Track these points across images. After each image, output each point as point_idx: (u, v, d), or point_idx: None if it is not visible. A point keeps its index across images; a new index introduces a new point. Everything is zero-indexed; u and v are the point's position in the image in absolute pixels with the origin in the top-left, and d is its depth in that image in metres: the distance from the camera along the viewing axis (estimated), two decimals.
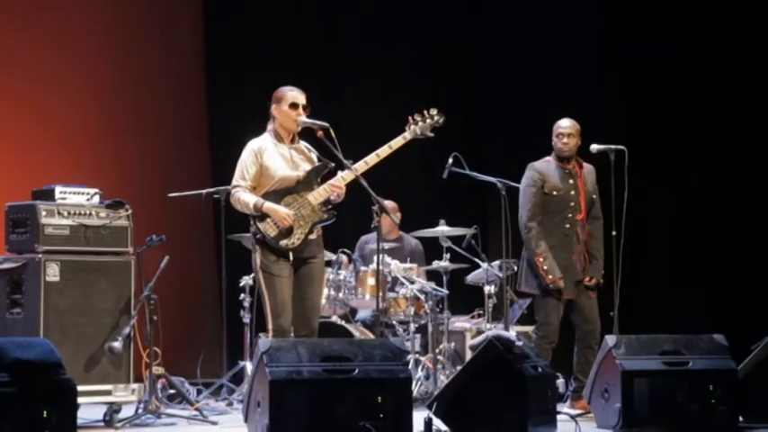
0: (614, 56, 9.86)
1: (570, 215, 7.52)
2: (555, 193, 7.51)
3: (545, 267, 7.40)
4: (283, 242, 6.48)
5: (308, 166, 6.64)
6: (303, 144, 6.73)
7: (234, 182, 6.60)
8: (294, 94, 6.61)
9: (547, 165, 7.60)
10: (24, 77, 9.07)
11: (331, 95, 9.52)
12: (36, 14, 9.24)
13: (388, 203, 8.91)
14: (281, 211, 6.47)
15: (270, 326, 6.48)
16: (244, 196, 6.52)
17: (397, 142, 6.67)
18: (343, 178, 6.55)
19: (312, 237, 6.57)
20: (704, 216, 9.43)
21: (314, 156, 6.69)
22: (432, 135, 6.79)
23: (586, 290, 7.53)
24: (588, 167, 7.67)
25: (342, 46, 10.31)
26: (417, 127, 6.73)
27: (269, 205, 6.49)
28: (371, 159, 6.61)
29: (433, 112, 6.77)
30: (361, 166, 6.57)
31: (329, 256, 8.25)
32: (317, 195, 6.56)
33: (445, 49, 10.48)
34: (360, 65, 10.27)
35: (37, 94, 9.14)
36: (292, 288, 6.53)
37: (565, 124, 7.58)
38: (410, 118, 6.75)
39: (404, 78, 10.22)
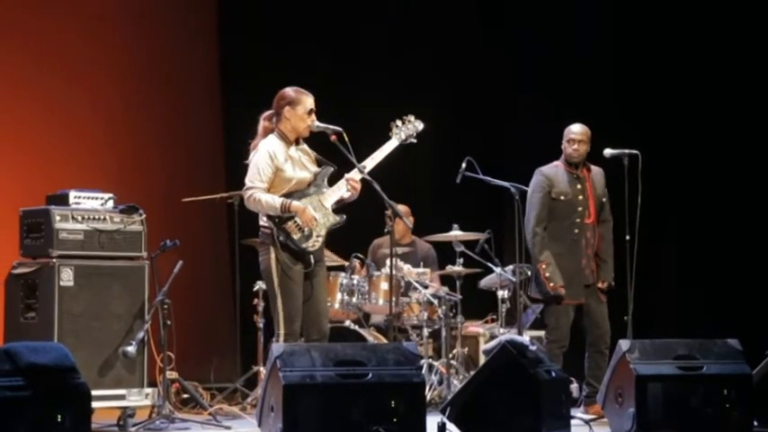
0: (627, 59, 9.85)
1: (578, 220, 7.52)
2: (562, 198, 7.51)
3: (547, 275, 7.41)
4: (305, 245, 6.48)
5: (313, 168, 6.66)
6: (305, 146, 6.73)
7: (249, 183, 6.52)
8: (311, 101, 6.61)
9: (555, 169, 7.60)
10: (38, 82, 9.08)
11: (346, 99, 9.51)
12: (55, 22, 9.27)
13: (401, 207, 8.92)
14: (309, 212, 6.47)
15: (282, 330, 6.46)
16: (265, 197, 6.48)
17: (390, 145, 6.77)
18: (367, 176, 6.58)
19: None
20: (719, 221, 9.41)
21: (314, 157, 6.71)
22: (414, 141, 6.87)
23: (598, 293, 7.53)
24: (597, 170, 7.66)
25: (359, 49, 10.30)
26: (401, 132, 6.82)
27: (296, 204, 6.47)
28: (368, 164, 6.67)
29: (411, 117, 6.89)
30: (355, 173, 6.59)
31: (340, 260, 8.29)
32: (329, 197, 6.58)
33: (461, 53, 10.48)
34: (375, 68, 10.26)
35: (51, 100, 9.16)
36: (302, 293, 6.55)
37: (576, 130, 7.57)
38: (392, 123, 6.83)
39: (418, 83, 10.21)
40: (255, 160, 6.55)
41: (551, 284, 7.40)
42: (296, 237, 6.48)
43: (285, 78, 6.91)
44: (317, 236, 6.53)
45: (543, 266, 7.42)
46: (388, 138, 6.81)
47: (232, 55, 10.15)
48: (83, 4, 9.48)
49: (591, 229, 7.54)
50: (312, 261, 6.51)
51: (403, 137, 6.83)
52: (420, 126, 6.89)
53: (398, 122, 6.85)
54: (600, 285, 7.54)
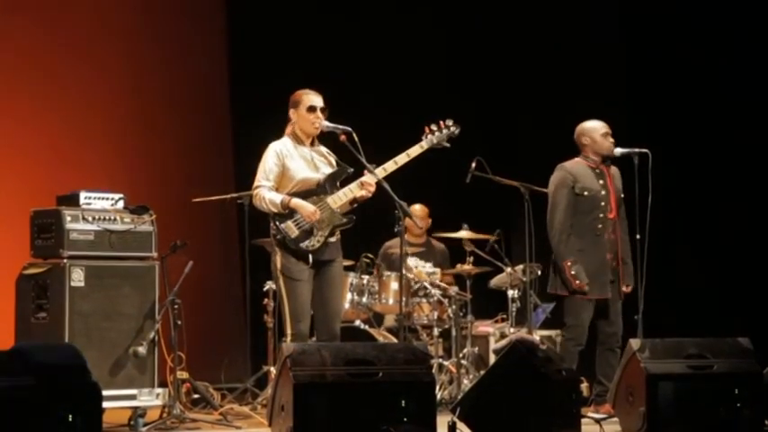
0: (639, 57, 9.84)
1: (602, 215, 7.51)
2: (586, 193, 7.50)
3: (573, 272, 7.39)
4: (304, 244, 6.50)
5: (328, 169, 6.67)
6: (323, 148, 6.75)
7: (256, 182, 6.62)
8: (311, 98, 6.63)
9: (577, 165, 7.60)
10: (47, 83, 9.11)
11: (355, 100, 9.51)
12: (60, 21, 9.29)
13: (420, 208, 8.94)
14: (309, 207, 6.49)
15: (289, 330, 6.50)
16: (269, 195, 6.53)
17: (415, 150, 6.71)
18: (377, 175, 6.56)
19: (332, 240, 6.60)
20: (729, 220, 9.39)
21: (333, 159, 6.72)
22: (448, 146, 6.82)
23: (619, 292, 7.52)
24: (614, 168, 7.67)
25: (367, 48, 10.29)
26: (434, 137, 6.76)
27: (296, 201, 6.50)
28: (390, 166, 6.64)
29: (449, 122, 6.81)
30: (380, 172, 6.59)
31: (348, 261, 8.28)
32: (337, 199, 6.59)
33: (470, 52, 10.47)
34: (385, 69, 10.26)
35: (61, 100, 9.18)
36: (312, 292, 6.55)
37: (605, 124, 7.58)
38: (426, 128, 6.78)
39: (430, 82, 10.21)
40: (263, 160, 6.63)
41: (577, 282, 7.37)
42: (293, 236, 6.50)
43: (294, 80, 6.93)
44: (321, 235, 6.53)
45: (569, 263, 7.39)
46: (419, 140, 6.75)
47: (241, 56, 10.16)
48: (90, 6, 9.49)
49: (612, 224, 7.53)
50: (311, 260, 6.51)
51: (434, 141, 6.76)
52: (456, 131, 6.79)
53: (433, 126, 6.77)
54: (625, 289, 7.53)
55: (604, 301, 7.49)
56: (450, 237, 8.78)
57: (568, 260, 7.40)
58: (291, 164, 6.59)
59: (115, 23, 9.55)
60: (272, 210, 6.54)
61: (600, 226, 7.50)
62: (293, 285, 6.50)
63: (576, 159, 7.63)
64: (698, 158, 9.54)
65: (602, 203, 7.52)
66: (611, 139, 7.56)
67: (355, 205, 6.66)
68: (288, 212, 6.52)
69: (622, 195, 7.62)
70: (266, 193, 6.54)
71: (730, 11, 9.51)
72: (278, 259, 6.57)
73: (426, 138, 6.76)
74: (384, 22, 10.31)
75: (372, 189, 6.58)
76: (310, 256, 6.52)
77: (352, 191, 6.59)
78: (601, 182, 7.56)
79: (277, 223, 6.54)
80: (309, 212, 6.48)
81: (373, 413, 5.46)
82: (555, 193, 7.53)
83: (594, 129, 7.60)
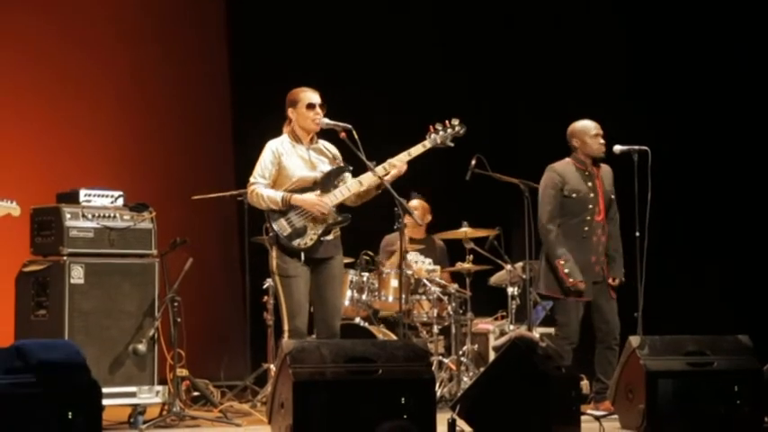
0: (639, 55, 9.84)
1: (589, 217, 7.52)
2: (574, 195, 7.51)
3: (566, 270, 7.39)
4: (296, 242, 6.50)
5: (327, 167, 6.66)
6: (323, 143, 6.74)
7: (252, 179, 6.60)
8: (309, 95, 6.63)
9: (566, 166, 7.60)
10: (48, 80, 9.11)
11: (356, 98, 9.51)
12: (62, 17, 9.29)
13: (420, 203, 8.93)
14: (310, 198, 6.48)
15: (286, 326, 6.50)
16: (267, 192, 6.53)
17: (417, 150, 6.68)
18: (400, 160, 6.56)
19: (329, 238, 6.59)
20: (729, 217, 9.39)
21: (334, 154, 6.70)
22: (452, 145, 6.80)
23: (608, 290, 7.53)
24: (605, 167, 7.67)
25: (367, 47, 10.29)
26: (438, 136, 6.73)
27: (297, 197, 6.50)
28: (390, 165, 6.62)
29: (455, 122, 6.77)
30: (380, 171, 6.58)
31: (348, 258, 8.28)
32: (333, 197, 6.58)
33: (472, 50, 10.47)
34: (386, 68, 10.25)
35: (62, 97, 9.18)
36: (310, 290, 6.55)
37: (597, 125, 7.57)
38: (431, 127, 6.76)
39: (430, 80, 10.21)
40: (260, 158, 6.63)
41: (571, 280, 7.38)
42: (285, 234, 6.50)
43: (294, 79, 6.92)
44: (314, 234, 6.53)
45: (562, 262, 7.40)
46: (423, 139, 6.72)
47: (242, 56, 10.15)
48: (94, 5, 9.49)
49: (601, 226, 7.54)
50: (303, 258, 6.51)
51: (438, 141, 6.72)
52: (462, 131, 6.76)
53: (438, 126, 6.73)
54: (611, 282, 7.54)
55: (595, 302, 7.49)
56: (450, 234, 8.77)
57: (561, 258, 7.41)
58: (288, 162, 6.59)
59: (118, 23, 9.54)
60: (272, 206, 6.53)
61: (586, 228, 7.51)
62: (287, 282, 6.50)
63: (567, 160, 7.64)
64: (698, 156, 9.54)
65: (591, 206, 7.52)
66: (602, 141, 7.55)
67: (359, 201, 6.66)
68: (282, 210, 6.51)
69: (613, 196, 7.62)
70: (263, 191, 6.53)
71: (731, 10, 9.50)
72: (273, 257, 6.57)
73: (430, 137, 6.74)
74: (384, 21, 10.30)
75: (404, 167, 6.54)
76: (302, 254, 6.51)
77: (350, 189, 6.58)
78: (590, 184, 7.56)
79: (271, 222, 6.54)
80: (312, 204, 6.48)
81: (373, 410, 5.46)
82: (543, 194, 7.55)
83: (585, 130, 7.59)
